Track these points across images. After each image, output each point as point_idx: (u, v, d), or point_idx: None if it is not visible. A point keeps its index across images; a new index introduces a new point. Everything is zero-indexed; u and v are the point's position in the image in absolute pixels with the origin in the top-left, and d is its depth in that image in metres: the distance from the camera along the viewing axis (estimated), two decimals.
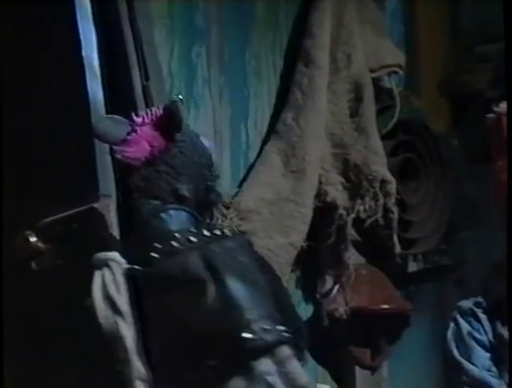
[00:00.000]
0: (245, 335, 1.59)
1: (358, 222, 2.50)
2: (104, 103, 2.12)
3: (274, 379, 1.61)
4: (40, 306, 2.06)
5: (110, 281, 1.69)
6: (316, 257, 2.51)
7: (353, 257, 2.56)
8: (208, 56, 2.33)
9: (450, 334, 2.89)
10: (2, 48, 2.18)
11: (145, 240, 1.71)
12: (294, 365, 1.63)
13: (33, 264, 1.93)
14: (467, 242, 3.07)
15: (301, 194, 2.38)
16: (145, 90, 2.14)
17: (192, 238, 1.68)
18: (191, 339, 1.63)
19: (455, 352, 2.86)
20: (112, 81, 2.14)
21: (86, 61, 2.10)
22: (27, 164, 2.17)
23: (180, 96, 1.82)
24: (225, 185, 2.36)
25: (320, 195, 2.45)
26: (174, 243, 1.67)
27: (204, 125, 2.30)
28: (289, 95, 2.48)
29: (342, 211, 2.47)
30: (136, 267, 1.69)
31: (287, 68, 2.52)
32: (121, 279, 1.69)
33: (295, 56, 2.51)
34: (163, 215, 1.74)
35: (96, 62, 2.12)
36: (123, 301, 1.67)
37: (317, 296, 2.53)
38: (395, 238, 2.56)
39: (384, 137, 2.64)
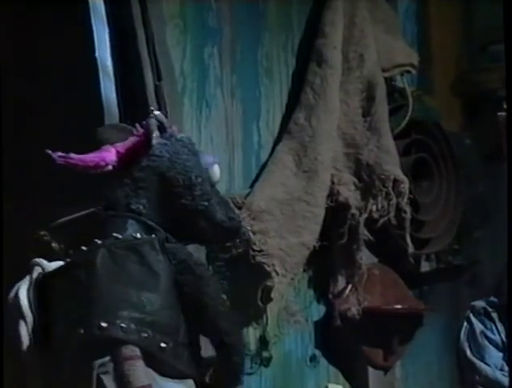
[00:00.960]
0: (103, 323, 1.66)
1: (370, 222, 2.50)
2: (117, 103, 2.13)
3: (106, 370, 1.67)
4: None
5: (27, 282, 1.79)
6: (329, 257, 2.51)
7: (365, 257, 2.56)
8: (220, 57, 2.34)
9: (463, 333, 2.89)
10: (15, 49, 2.19)
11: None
12: (130, 367, 1.67)
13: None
14: (480, 242, 3.06)
15: (313, 194, 2.38)
16: (158, 90, 2.15)
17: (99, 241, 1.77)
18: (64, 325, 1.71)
19: (468, 352, 2.86)
20: (125, 81, 2.15)
21: (99, 62, 2.11)
22: (40, 165, 2.18)
23: (155, 111, 1.84)
24: (237, 185, 2.36)
25: (332, 195, 2.45)
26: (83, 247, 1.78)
27: (216, 125, 2.31)
28: (301, 95, 2.48)
29: (354, 211, 2.47)
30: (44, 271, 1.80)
31: (300, 68, 2.52)
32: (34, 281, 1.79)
33: (308, 55, 2.52)
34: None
35: (109, 62, 2.13)
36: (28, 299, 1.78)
37: (330, 296, 2.53)
38: (408, 238, 2.56)
39: (396, 137, 2.63)
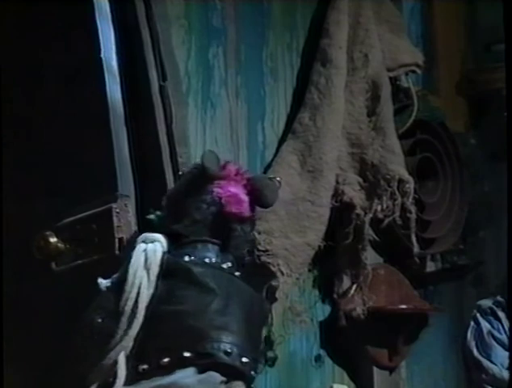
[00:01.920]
0: (227, 349, 1.66)
1: (375, 222, 2.50)
2: (123, 104, 2.14)
3: None
4: (59, 306, 2.08)
5: (151, 256, 1.75)
6: (334, 257, 2.50)
7: (370, 257, 2.56)
8: (225, 57, 2.34)
9: (470, 333, 2.89)
10: (20, 50, 2.20)
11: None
12: None
13: (53, 265, 1.95)
14: (485, 242, 3.06)
15: (318, 194, 2.38)
16: (162, 91, 2.15)
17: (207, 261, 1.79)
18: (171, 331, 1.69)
19: (475, 351, 2.86)
20: (130, 81, 2.16)
21: (104, 62, 2.11)
22: (46, 165, 2.19)
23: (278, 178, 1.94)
24: None
25: (337, 194, 2.45)
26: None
27: (221, 125, 2.31)
28: (306, 95, 2.48)
29: (359, 211, 2.47)
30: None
31: (304, 67, 2.52)
32: (161, 256, 1.75)
33: (312, 55, 2.51)
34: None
35: (115, 63, 2.13)
36: (151, 276, 1.73)
37: (335, 296, 2.53)
38: (413, 238, 2.55)
39: (401, 137, 2.63)
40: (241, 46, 2.38)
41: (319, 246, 2.38)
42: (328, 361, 2.54)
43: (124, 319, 1.68)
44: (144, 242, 1.78)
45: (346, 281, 2.54)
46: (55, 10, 2.14)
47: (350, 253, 2.51)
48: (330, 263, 2.51)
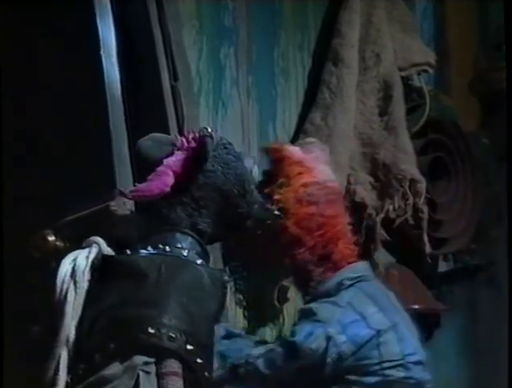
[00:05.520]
0: (150, 330, 1.66)
1: (387, 222, 2.49)
2: (134, 103, 2.14)
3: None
4: None
5: (80, 263, 1.78)
6: None
7: (383, 257, 2.55)
8: (237, 57, 2.34)
9: None
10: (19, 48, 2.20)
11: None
12: (173, 383, 1.67)
13: (53, 263, 1.95)
14: (498, 242, 3.04)
15: None
16: (174, 91, 2.15)
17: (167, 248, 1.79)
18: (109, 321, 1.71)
19: None
20: (141, 81, 2.16)
21: (104, 59, 2.12)
22: (45, 164, 2.19)
23: (209, 129, 1.83)
24: None
25: (348, 194, 2.44)
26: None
27: (232, 125, 2.31)
28: (317, 95, 2.48)
29: (371, 210, 2.47)
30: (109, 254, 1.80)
31: (316, 67, 2.52)
32: (93, 259, 1.78)
33: (324, 55, 2.51)
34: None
35: (115, 60, 2.13)
36: (80, 283, 1.76)
37: None
38: (425, 238, 2.55)
39: (413, 136, 2.63)
40: (253, 46, 2.39)
41: None
42: None
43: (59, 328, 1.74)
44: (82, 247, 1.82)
45: None
46: (56, 8, 2.15)
47: (362, 253, 2.50)
48: None
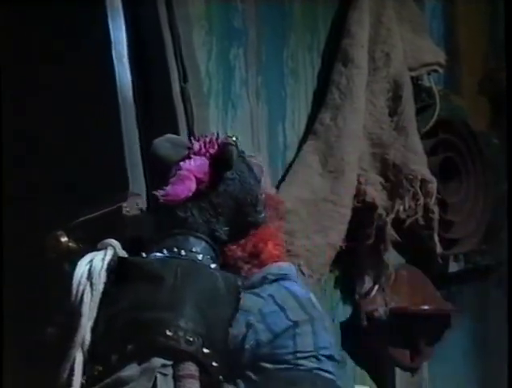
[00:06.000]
0: (168, 332, 1.68)
1: (397, 222, 2.49)
2: (143, 104, 2.14)
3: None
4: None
5: (97, 264, 1.79)
6: (356, 257, 2.50)
7: (393, 257, 2.55)
8: (246, 57, 2.34)
9: None
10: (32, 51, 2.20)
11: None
12: (190, 386, 1.68)
13: (66, 266, 1.96)
14: (508, 242, 3.03)
15: (339, 194, 2.38)
16: (183, 92, 2.16)
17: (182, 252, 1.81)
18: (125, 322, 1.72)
19: None
20: (151, 82, 2.16)
21: (115, 59, 2.12)
22: (57, 165, 2.20)
23: (233, 137, 1.86)
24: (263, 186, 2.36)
25: (358, 195, 2.44)
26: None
27: (242, 126, 2.31)
28: (327, 95, 2.47)
29: (381, 211, 2.46)
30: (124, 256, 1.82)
31: (325, 68, 2.52)
32: (109, 261, 1.79)
33: (333, 55, 2.51)
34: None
35: (126, 60, 2.14)
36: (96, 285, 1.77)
37: (356, 296, 2.52)
38: (435, 239, 2.54)
39: (423, 136, 2.62)
40: (262, 47, 2.38)
41: (340, 247, 2.38)
42: (349, 362, 2.53)
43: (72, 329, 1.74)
44: (96, 250, 1.83)
45: (368, 282, 2.53)
46: (56, 8, 2.15)
47: (372, 253, 2.50)
48: (352, 263, 2.50)
